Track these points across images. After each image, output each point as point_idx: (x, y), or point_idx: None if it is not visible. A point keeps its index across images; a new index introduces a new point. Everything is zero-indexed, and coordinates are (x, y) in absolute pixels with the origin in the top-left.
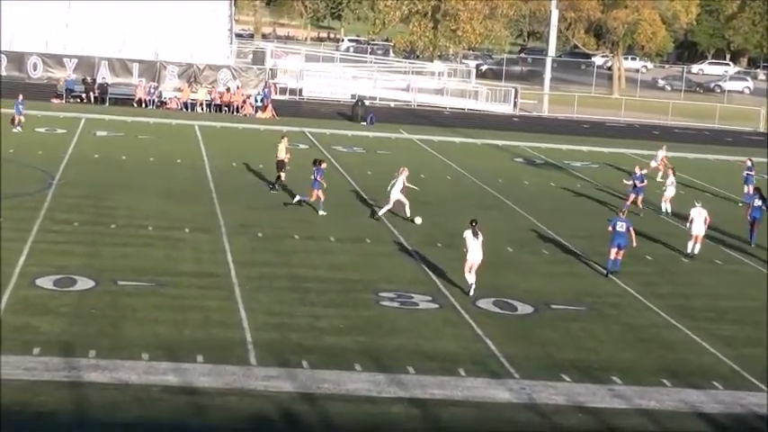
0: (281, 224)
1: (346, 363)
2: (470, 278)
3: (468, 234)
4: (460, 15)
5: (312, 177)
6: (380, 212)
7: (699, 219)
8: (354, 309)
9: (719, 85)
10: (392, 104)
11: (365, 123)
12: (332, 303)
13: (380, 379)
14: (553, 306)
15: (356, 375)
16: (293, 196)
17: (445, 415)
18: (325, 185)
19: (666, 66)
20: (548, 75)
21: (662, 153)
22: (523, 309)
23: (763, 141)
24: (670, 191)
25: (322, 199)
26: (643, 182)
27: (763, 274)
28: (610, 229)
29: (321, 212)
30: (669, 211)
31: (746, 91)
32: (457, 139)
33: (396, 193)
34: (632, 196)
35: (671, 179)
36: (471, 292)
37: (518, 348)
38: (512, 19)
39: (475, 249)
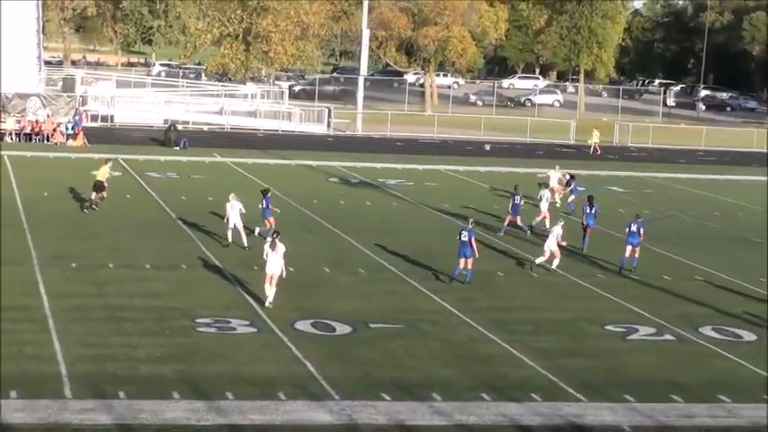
0: (95, 253)
1: (164, 392)
2: (268, 291)
3: (266, 246)
4: (272, 37)
5: (261, 207)
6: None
7: (551, 236)
8: (171, 337)
9: (530, 99)
10: (205, 128)
11: (178, 148)
12: (148, 332)
13: (199, 406)
14: (372, 325)
15: (174, 404)
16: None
17: None
18: (278, 211)
19: (478, 81)
20: (360, 94)
21: (555, 174)
22: (342, 329)
23: (573, 153)
24: (543, 206)
25: (272, 226)
26: (519, 201)
27: (578, 284)
28: (458, 238)
29: (268, 238)
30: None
31: (557, 104)
32: (271, 161)
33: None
34: (509, 217)
35: (548, 194)
36: (267, 304)
37: (337, 369)
38: (323, 39)
39: (273, 261)
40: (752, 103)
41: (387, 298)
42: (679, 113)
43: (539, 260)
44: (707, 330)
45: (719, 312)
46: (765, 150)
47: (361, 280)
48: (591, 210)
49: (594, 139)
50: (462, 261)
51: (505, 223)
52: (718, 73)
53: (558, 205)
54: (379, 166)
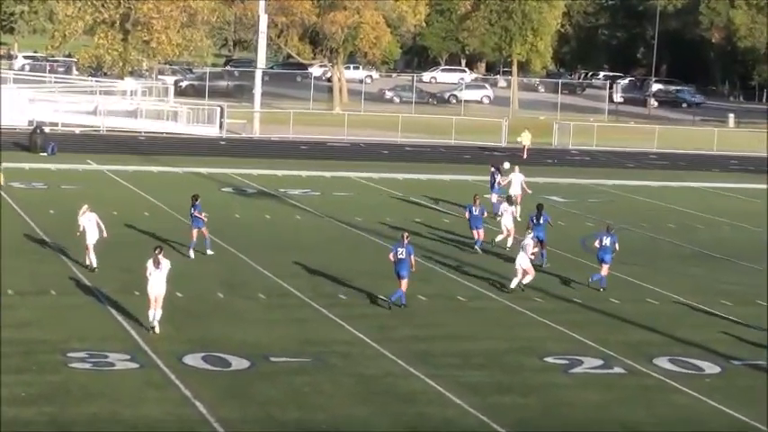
0: None
1: None
2: (153, 315)
3: (149, 263)
4: (154, 24)
5: (190, 215)
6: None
7: (522, 251)
8: (39, 373)
9: (455, 95)
10: (77, 131)
11: (46, 154)
12: (12, 369)
13: None
14: (273, 359)
15: None
16: None
17: None
18: (205, 220)
19: (394, 75)
20: (258, 90)
21: (518, 177)
22: (238, 363)
23: (506, 157)
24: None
25: (204, 237)
26: (483, 213)
27: (512, 309)
28: (391, 257)
29: (191, 254)
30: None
31: (486, 100)
32: (155, 168)
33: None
34: (475, 231)
35: (507, 206)
36: (152, 330)
37: (233, 410)
38: (214, 26)
39: (156, 281)
40: (698, 98)
41: (290, 326)
42: (628, 110)
43: (514, 283)
44: (662, 362)
45: (676, 341)
46: (765, 154)
47: (261, 306)
48: (539, 220)
49: (525, 140)
50: (404, 282)
51: (478, 238)
52: (672, 64)
53: (519, 219)
54: (280, 173)
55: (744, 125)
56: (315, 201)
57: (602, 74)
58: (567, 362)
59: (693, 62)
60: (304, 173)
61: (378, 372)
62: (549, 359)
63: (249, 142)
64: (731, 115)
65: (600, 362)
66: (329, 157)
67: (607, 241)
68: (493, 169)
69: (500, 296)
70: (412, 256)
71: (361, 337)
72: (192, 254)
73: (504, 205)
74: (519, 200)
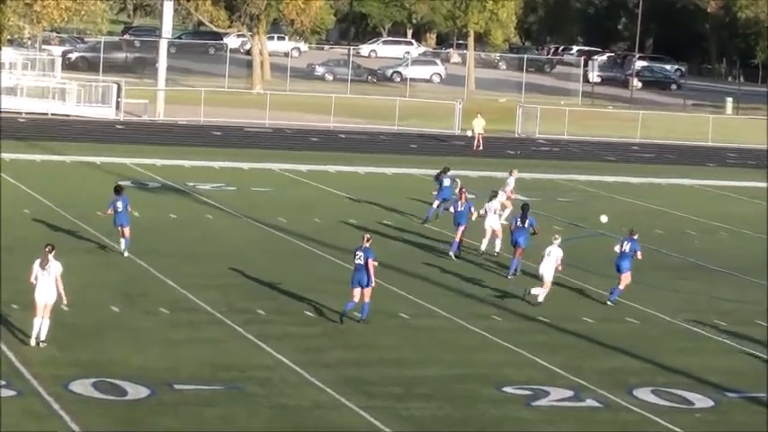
0: None
1: None
2: (38, 325)
3: (34, 265)
4: None
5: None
6: None
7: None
8: None
9: (399, 73)
10: None
11: None
12: None
13: None
14: (177, 386)
15: None
16: None
17: None
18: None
19: (327, 47)
20: (162, 64)
21: (512, 180)
22: (136, 392)
23: (459, 147)
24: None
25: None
26: (470, 210)
27: (465, 329)
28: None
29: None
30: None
31: (436, 79)
32: (38, 157)
33: None
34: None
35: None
36: (35, 342)
37: None
38: None
39: (45, 286)
40: (689, 78)
41: (199, 348)
42: (606, 93)
43: (539, 295)
44: (644, 393)
45: (661, 368)
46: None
47: (163, 323)
48: (524, 223)
49: (477, 127)
50: (357, 291)
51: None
52: (659, 38)
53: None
54: (188, 164)
55: (744, 111)
56: (230, 197)
57: (575, 48)
58: (531, 392)
59: (685, 36)
60: (217, 164)
61: (303, 402)
62: (509, 389)
63: (151, 126)
64: (729, 99)
65: (569, 393)
66: (247, 145)
67: (627, 247)
68: (439, 172)
69: (451, 313)
70: (370, 262)
71: (284, 360)
72: (126, 254)
73: (489, 204)
74: (507, 205)
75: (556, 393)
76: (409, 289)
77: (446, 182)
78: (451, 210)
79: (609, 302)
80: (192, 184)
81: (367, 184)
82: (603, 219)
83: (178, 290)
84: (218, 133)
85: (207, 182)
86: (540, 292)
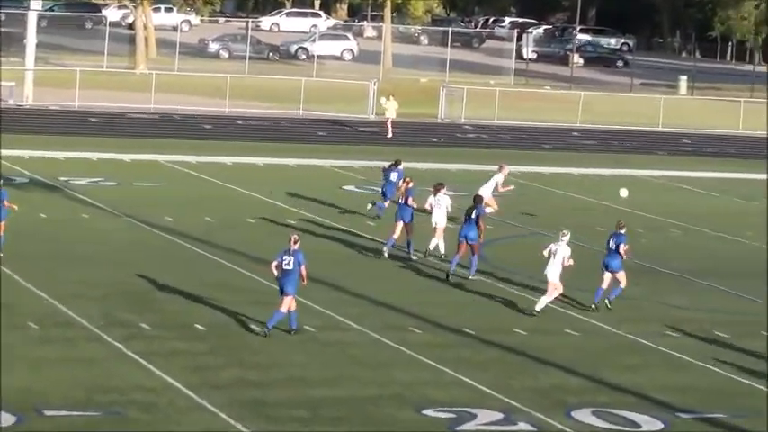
0: None
1: None
2: None
3: None
4: None
5: None
6: None
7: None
8: None
9: (305, 49)
10: None
11: None
12: None
13: None
14: (48, 412)
15: None
16: None
17: None
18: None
19: (221, 20)
20: (31, 40)
21: (499, 178)
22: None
23: (372, 135)
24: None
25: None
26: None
27: (379, 342)
28: (273, 267)
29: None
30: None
31: (348, 56)
32: None
33: None
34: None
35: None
36: None
37: None
38: None
39: None
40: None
41: (73, 368)
42: (542, 71)
43: (541, 304)
44: (583, 415)
45: (603, 386)
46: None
47: (32, 339)
48: (474, 214)
49: (389, 111)
50: (287, 300)
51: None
52: (603, 8)
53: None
54: (61, 155)
55: (700, 91)
56: (109, 194)
57: (507, 20)
58: (455, 415)
59: (633, 5)
60: (95, 155)
61: (193, 429)
62: (430, 411)
63: (18, 112)
64: (683, 78)
65: (499, 415)
66: (130, 133)
67: (613, 243)
68: (390, 164)
69: (363, 325)
70: (303, 267)
71: (171, 381)
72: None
73: (432, 198)
74: (493, 206)
75: (484, 416)
76: (315, 298)
77: (393, 176)
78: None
79: (593, 306)
80: (65, 178)
81: (267, 178)
82: (623, 193)
83: (49, 301)
84: (96, 120)
85: (83, 176)
86: (541, 300)
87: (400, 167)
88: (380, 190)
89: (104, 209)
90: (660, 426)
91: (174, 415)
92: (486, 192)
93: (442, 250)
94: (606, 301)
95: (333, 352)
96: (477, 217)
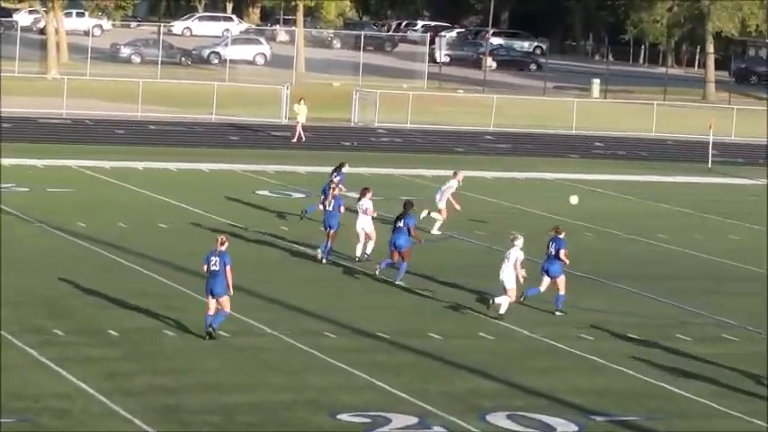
0: None
1: None
2: None
3: None
4: None
5: None
6: None
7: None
8: None
9: (217, 53)
10: None
11: None
12: None
13: None
14: None
15: None
16: None
17: None
18: None
19: (133, 24)
20: None
21: (454, 183)
22: None
23: (284, 139)
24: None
25: None
26: (339, 209)
27: (293, 347)
28: (204, 268)
29: None
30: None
31: (260, 60)
32: None
33: None
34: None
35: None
36: None
37: None
38: None
39: None
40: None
41: None
42: (455, 74)
43: (502, 307)
44: (498, 419)
45: (518, 389)
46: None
47: None
48: (401, 222)
49: (300, 115)
50: (213, 302)
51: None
52: (516, 11)
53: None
54: None
55: (613, 94)
56: (21, 200)
57: (420, 24)
58: (370, 420)
59: (545, 8)
60: (6, 161)
61: None
62: (345, 416)
63: None
64: (596, 81)
65: (414, 419)
66: (41, 139)
67: (552, 248)
68: (335, 167)
69: (277, 329)
70: (228, 268)
71: (85, 387)
72: None
73: (359, 204)
74: (442, 214)
75: (398, 420)
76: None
77: (336, 179)
78: (320, 207)
79: (558, 313)
80: None
81: (180, 183)
82: (573, 200)
83: None
84: (7, 125)
85: None
86: (503, 301)
87: (343, 171)
88: (322, 188)
89: (16, 214)
90: (575, 428)
91: (87, 421)
92: (442, 202)
93: (368, 251)
94: (557, 312)
95: (247, 357)
96: (408, 228)
